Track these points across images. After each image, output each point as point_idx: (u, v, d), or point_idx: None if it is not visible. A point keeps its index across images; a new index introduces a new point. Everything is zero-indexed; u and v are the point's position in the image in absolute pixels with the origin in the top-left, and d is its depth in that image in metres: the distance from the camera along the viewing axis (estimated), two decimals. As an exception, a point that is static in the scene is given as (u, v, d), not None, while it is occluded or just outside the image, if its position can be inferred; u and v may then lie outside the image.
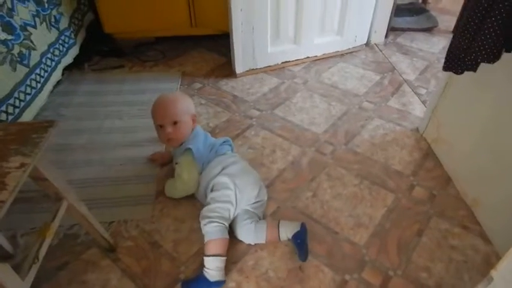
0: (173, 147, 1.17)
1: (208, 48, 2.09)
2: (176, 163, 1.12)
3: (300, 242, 0.97)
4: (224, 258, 0.94)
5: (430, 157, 1.33)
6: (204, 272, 0.92)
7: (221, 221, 0.98)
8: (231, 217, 1.02)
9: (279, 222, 1.02)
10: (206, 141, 1.14)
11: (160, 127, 1.11)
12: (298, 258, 0.97)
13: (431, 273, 0.96)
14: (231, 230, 1.02)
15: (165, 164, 1.29)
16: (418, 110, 1.57)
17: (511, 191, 0.96)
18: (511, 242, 0.59)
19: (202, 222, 0.98)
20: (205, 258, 0.93)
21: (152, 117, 1.13)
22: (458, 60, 0.87)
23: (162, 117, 1.10)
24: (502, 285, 0.51)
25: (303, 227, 1.00)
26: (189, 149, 1.08)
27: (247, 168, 1.13)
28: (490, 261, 0.99)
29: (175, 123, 1.09)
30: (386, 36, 2.14)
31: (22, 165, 0.60)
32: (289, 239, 1.00)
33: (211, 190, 1.05)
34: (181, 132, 1.10)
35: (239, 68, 1.78)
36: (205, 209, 1.02)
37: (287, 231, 1.00)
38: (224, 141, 1.18)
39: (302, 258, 0.96)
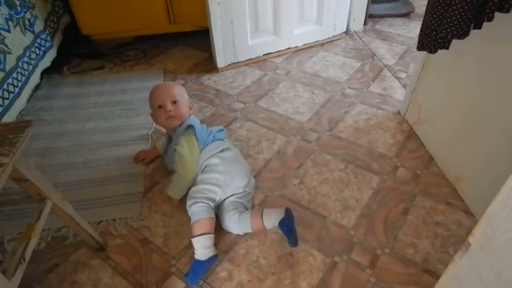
0: (171, 130, 1.16)
1: (189, 44, 2.08)
2: (176, 144, 1.11)
3: (287, 229, 0.97)
4: (211, 235, 0.95)
5: (412, 138, 1.35)
6: (195, 255, 0.94)
7: (206, 201, 0.99)
8: (217, 199, 1.03)
9: (262, 211, 1.01)
10: (203, 125, 1.18)
11: (159, 107, 1.12)
12: (289, 244, 0.98)
13: (418, 249, 0.98)
14: (218, 222, 1.03)
15: (151, 161, 1.29)
16: (399, 93, 1.60)
17: (491, 164, 0.99)
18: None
19: (188, 203, 0.99)
20: (193, 240, 0.94)
21: (150, 101, 1.15)
22: (430, 39, 0.89)
23: (162, 96, 1.12)
24: (478, 250, 0.53)
25: (288, 212, 0.99)
26: (191, 126, 1.10)
27: (240, 158, 1.16)
28: (473, 234, 1.02)
29: (175, 102, 1.11)
30: (365, 24, 2.17)
31: (0, 165, 0.60)
32: (275, 227, 1.00)
33: (202, 171, 1.07)
34: (181, 110, 1.12)
35: (221, 62, 1.78)
36: (192, 189, 1.03)
37: (271, 219, 0.99)
38: (220, 130, 1.21)
39: (292, 244, 0.97)
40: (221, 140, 1.17)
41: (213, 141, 1.14)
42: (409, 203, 1.11)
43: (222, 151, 1.10)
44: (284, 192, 1.16)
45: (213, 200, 1.01)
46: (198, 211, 0.97)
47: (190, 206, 0.98)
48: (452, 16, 0.75)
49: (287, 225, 0.97)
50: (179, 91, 1.15)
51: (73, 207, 0.89)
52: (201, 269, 0.93)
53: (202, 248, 0.93)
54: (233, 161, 1.10)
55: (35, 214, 0.75)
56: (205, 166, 1.07)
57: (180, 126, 1.12)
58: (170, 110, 1.10)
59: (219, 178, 1.03)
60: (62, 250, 1.01)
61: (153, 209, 1.12)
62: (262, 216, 1.00)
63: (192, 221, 0.97)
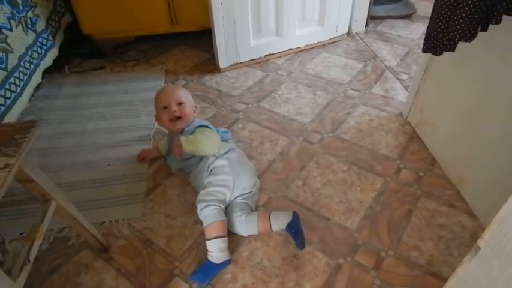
0: (175, 132, 1.14)
1: (191, 45, 2.08)
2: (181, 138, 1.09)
3: (295, 231, 0.97)
4: (226, 238, 0.95)
5: (414, 140, 1.35)
6: (209, 257, 0.93)
7: (218, 204, 0.98)
8: (227, 201, 1.03)
9: (270, 214, 1.01)
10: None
11: (164, 109, 1.12)
12: (296, 247, 0.97)
13: (422, 251, 0.98)
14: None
15: (154, 161, 1.28)
16: (401, 95, 1.60)
17: (494, 166, 0.99)
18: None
19: (199, 206, 0.99)
20: (207, 242, 0.94)
21: (156, 102, 1.15)
22: (436, 41, 0.89)
23: (167, 98, 1.13)
24: (488, 253, 0.52)
25: (295, 215, 1.00)
26: (203, 126, 1.11)
27: (245, 159, 1.18)
28: (477, 236, 1.00)
29: (180, 104, 1.12)
30: (366, 25, 2.17)
31: (6, 166, 0.59)
32: (282, 230, 1.00)
33: (210, 174, 1.07)
34: (186, 112, 1.12)
35: (223, 63, 1.77)
36: (201, 192, 1.02)
37: (279, 222, 1.00)
38: (225, 131, 1.22)
39: (299, 246, 0.96)
40: (226, 141, 1.17)
41: None
42: (413, 205, 1.11)
43: (227, 152, 1.10)
44: (287, 193, 1.16)
45: (223, 202, 1.01)
46: (211, 214, 0.96)
47: (201, 209, 0.98)
48: (460, 18, 0.75)
49: (295, 228, 0.97)
50: (185, 93, 1.16)
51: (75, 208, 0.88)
52: (214, 271, 0.93)
53: (217, 251, 0.93)
54: (239, 162, 1.11)
55: (39, 215, 0.75)
56: (212, 168, 1.07)
57: (184, 129, 1.12)
58: (175, 111, 1.10)
59: (227, 179, 1.03)
60: (65, 251, 1.01)
61: (155, 210, 1.12)
62: (269, 219, 1.00)
63: (204, 225, 0.96)
